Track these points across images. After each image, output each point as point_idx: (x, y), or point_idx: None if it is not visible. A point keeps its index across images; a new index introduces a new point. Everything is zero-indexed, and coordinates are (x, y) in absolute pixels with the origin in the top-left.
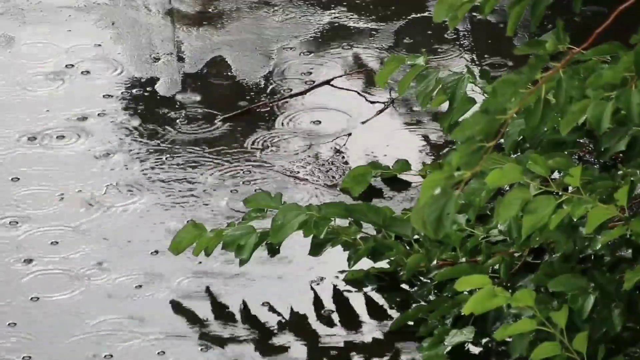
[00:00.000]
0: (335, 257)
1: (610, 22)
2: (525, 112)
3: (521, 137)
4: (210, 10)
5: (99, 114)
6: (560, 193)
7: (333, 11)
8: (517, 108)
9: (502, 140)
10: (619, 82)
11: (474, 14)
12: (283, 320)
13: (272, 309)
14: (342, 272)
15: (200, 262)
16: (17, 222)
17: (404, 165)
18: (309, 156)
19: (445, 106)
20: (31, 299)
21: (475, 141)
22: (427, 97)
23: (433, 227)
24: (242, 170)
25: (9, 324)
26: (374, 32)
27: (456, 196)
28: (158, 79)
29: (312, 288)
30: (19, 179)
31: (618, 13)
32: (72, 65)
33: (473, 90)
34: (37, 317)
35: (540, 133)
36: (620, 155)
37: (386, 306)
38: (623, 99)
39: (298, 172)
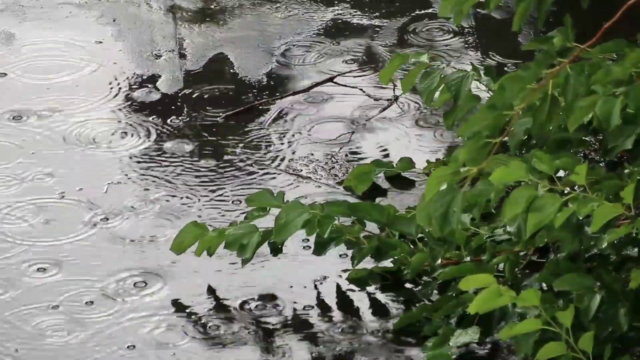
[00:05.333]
0: (339, 256)
1: (618, 18)
2: (532, 109)
3: (526, 136)
4: (212, 6)
5: (100, 112)
6: (565, 191)
7: (336, 8)
8: (524, 104)
9: (506, 139)
10: (626, 79)
11: (479, 10)
12: (286, 320)
13: (274, 308)
14: (345, 271)
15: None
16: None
17: (408, 163)
18: (312, 154)
19: (449, 103)
20: None
21: (481, 137)
22: (431, 95)
23: (439, 223)
24: (243, 168)
25: None
26: (378, 29)
27: (462, 192)
28: (160, 76)
29: (315, 287)
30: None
31: (626, 8)
32: (73, 64)
33: (478, 88)
34: None
35: (546, 131)
36: (627, 153)
37: (390, 305)
38: (632, 96)
39: (301, 170)
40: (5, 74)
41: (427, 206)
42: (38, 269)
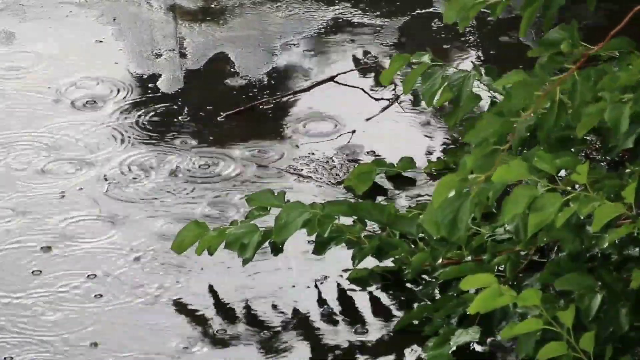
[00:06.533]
0: (339, 256)
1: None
2: (538, 114)
3: (528, 133)
4: (212, 5)
5: (100, 111)
6: (567, 191)
7: (337, 7)
8: (532, 110)
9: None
10: (633, 85)
11: (481, 10)
12: (286, 319)
13: (275, 308)
14: (346, 270)
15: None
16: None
17: (409, 162)
18: (313, 154)
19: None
20: None
21: (489, 144)
22: (433, 95)
23: (447, 229)
24: (244, 167)
25: None
26: (379, 28)
27: (471, 199)
28: (160, 76)
29: (316, 287)
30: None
31: (633, 13)
32: (73, 63)
33: (479, 88)
34: None
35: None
36: (628, 152)
37: (391, 305)
38: None
39: (301, 170)
40: (16, 71)
41: (435, 213)
42: None
